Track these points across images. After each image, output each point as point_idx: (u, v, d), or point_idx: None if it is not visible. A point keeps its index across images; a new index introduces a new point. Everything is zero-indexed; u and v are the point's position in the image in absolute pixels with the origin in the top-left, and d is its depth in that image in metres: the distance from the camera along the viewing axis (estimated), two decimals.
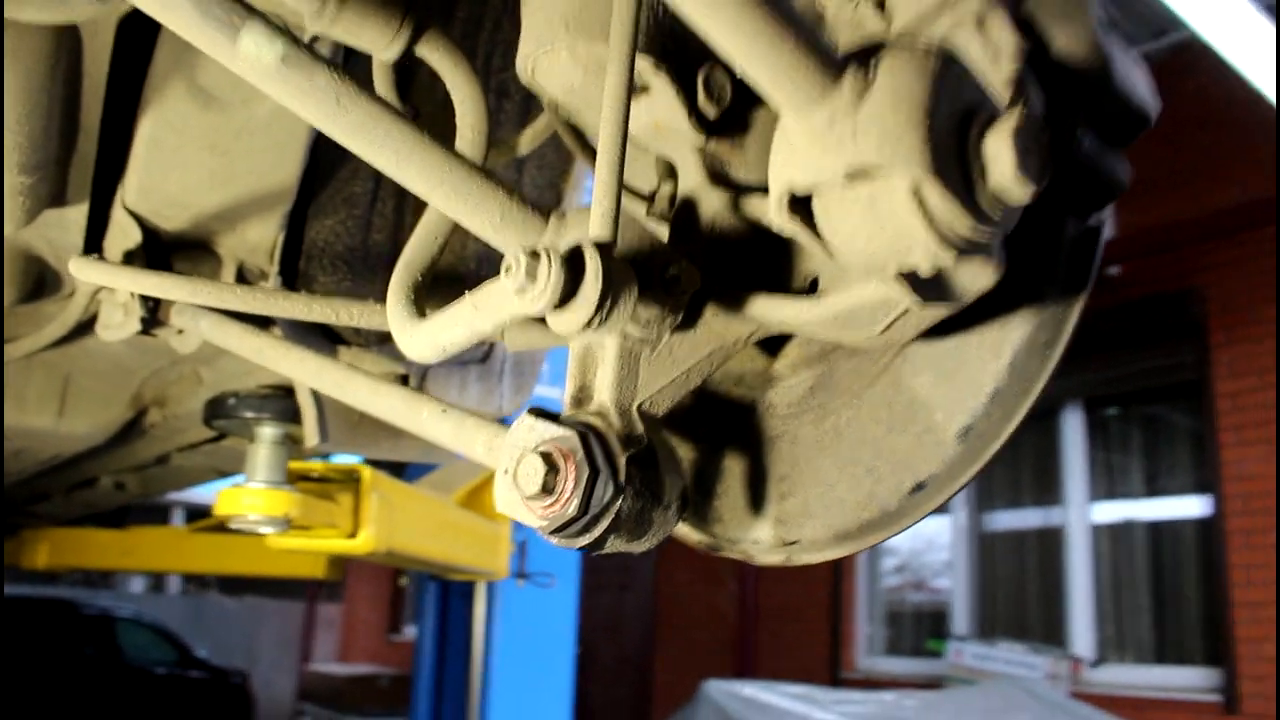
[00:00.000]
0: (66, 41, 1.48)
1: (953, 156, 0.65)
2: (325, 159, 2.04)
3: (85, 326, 2.09)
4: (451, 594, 6.47)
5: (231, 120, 1.68)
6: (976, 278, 0.77)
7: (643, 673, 11.56)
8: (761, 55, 0.60)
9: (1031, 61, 0.95)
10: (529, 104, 2.26)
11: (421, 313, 1.17)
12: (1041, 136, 0.66)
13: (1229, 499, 7.46)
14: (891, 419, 1.08)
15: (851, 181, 0.66)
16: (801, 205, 0.71)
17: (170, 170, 1.76)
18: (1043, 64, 0.97)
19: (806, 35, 0.61)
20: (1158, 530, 8.34)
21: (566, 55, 1.08)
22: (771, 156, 0.70)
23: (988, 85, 0.91)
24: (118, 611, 14.68)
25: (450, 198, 0.98)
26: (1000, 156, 0.64)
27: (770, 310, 0.99)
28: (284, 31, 0.87)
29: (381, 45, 1.28)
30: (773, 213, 0.71)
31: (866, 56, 0.66)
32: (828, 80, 0.63)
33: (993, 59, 0.93)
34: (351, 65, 1.76)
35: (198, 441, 2.91)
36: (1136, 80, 1.04)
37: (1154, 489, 8.49)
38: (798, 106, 0.64)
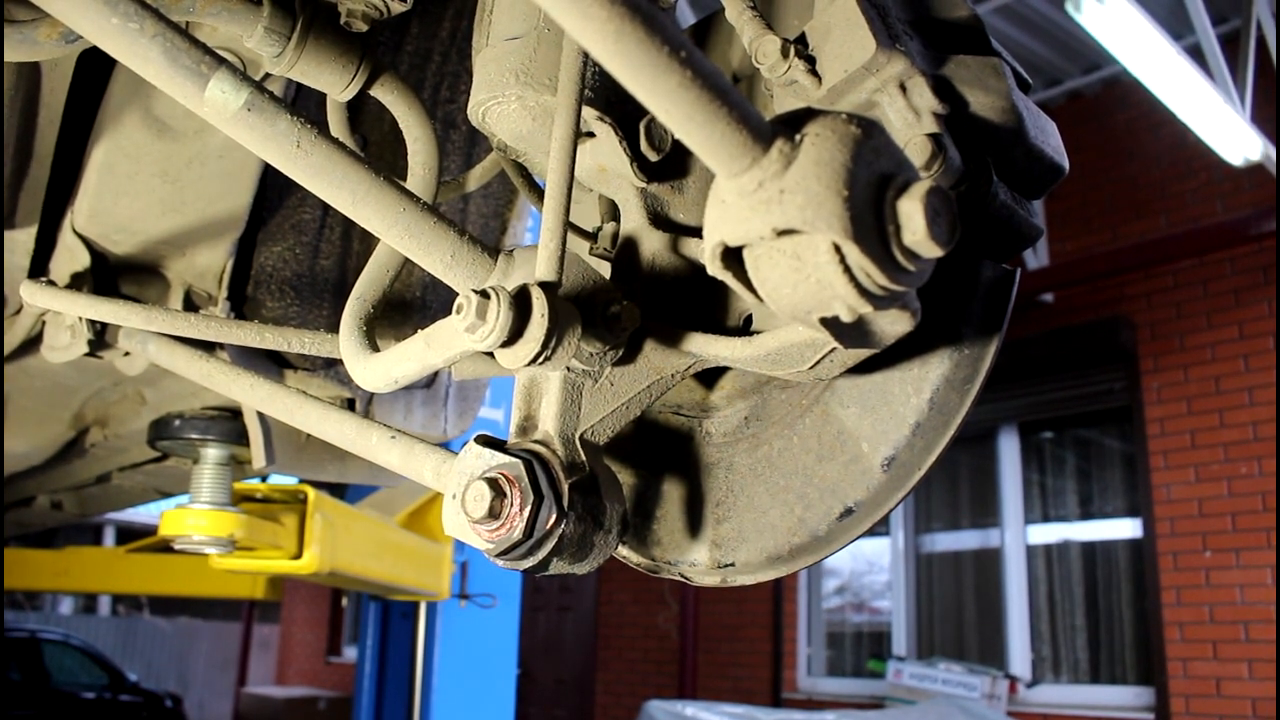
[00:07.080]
0: (26, 73, 1.50)
1: (870, 218, 0.70)
2: (274, 186, 2.07)
3: (29, 346, 2.08)
4: (392, 615, 6.43)
5: (184, 149, 1.71)
6: (895, 323, 0.84)
7: (583, 693, 11.53)
8: (697, 128, 0.66)
9: (950, 121, 1.03)
10: (475, 134, 2.30)
11: (374, 343, 1.21)
12: (951, 200, 0.72)
13: (1158, 521, 7.65)
14: (821, 448, 1.14)
15: (778, 237, 0.72)
16: (734, 255, 0.77)
17: (121, 196, 1.78)
18: (961, 123, 1.05)
19: (739, 108, 0.67)
20: (1091, 551, 8.51)
21: (517, 104, 1.14)
22: (706, 211, 0.76)
23: (907, 145, 0.98)
24: (45, 634, 14.34)
25: (404, 237, 1.02)
26: (913, 218, 0.70)
27: (706, 347, 1.05)
28: (249, 79, 0.92)
29: (338, 88, 1.32)
30: (707, 262, 0.77)
31: (795, 124, 0.72)
32: (758, 149, 0.69)
33: (913, 120, 1.01)
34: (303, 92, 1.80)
35: (139, 461, 2.89)
36: (1049, 136, 1.12)
37: (1087, 511, 8.66)
38: (729, 171, 0.70)
